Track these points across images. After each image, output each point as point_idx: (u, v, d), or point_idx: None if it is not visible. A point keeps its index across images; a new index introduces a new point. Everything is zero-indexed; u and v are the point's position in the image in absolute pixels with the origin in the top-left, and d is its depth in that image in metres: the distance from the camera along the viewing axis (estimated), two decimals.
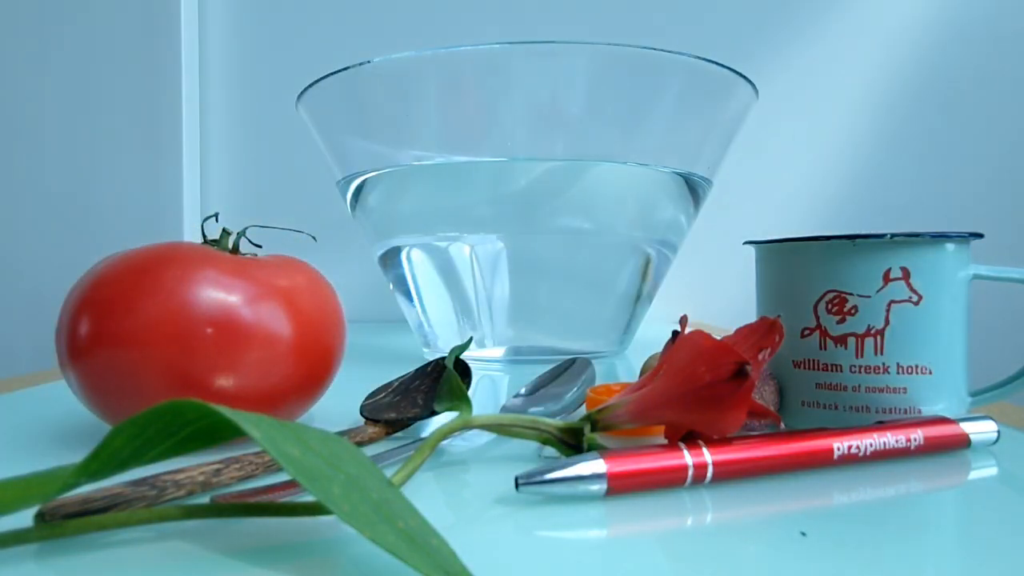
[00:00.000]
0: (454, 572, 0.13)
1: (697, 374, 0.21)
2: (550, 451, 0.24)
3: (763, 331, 0.23)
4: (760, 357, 0.22)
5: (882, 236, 0.26)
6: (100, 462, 0.15)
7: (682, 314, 0.25)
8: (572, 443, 0.23)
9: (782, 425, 0.27)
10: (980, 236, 0.26)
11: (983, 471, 0.23)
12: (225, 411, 0.14)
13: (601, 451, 0.20)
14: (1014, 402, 0.31)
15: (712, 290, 0.86)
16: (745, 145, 0.83)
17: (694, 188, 0.48)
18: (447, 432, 0.22)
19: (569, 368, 0.34)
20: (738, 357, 0.20)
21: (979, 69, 0.86)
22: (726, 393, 0.20)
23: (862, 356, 0.26)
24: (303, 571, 0.15)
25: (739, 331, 0.24)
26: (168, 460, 0.17)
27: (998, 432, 0.25)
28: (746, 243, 0.32)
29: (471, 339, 0.31)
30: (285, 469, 0.14)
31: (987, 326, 0.72)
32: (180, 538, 0.17)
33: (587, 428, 0.23)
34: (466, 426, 0.22)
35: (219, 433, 0.16)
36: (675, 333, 0.24)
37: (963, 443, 0.24)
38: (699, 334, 0.22)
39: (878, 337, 0.26)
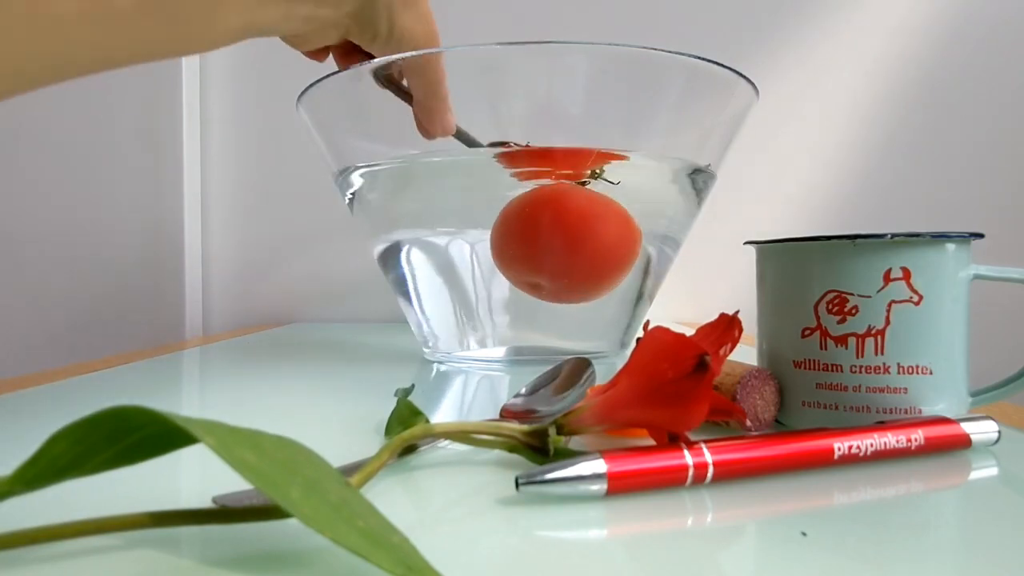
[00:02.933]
0: (416, 567, 0.13)
1: (660, 371, 0.21)
2: None
3: (723, 327, 0.23)
4: (721, 353, 0.23)
5: (882, 236, 0.26)
6: (37, 470, 0.14)
7: (646, 319, 0.26)
8: (538, 447, 0.22)
9: (748, 423, 0.27)
10: (980, 236, 0.26)
11: (983, 471, 0.23)
12: (175, 418, 0.13)
13: (602, 451, 0.20)
14: (1014, 402, 0.31)
15: (712, 290, 0.86)
16: (746, 145, 0.82)
17: (694, 188, 0.48)
18: (407, 439, 0.21)
19: (569, 368, 0.34)
20: (699, 349, 0.20)
21: (980, 69, 0.86)
22: (689, 388, 0.20)
23: (862, 356, 0.26)
24: (303, 572, 0.15)
25: (700, 329, 0.24)
26: (114, 470, 0.15)
27: (998, 432, 0.25)
28: (746, 243, 0.32)
29: (412, 386, 0.28)
30: (241, 475, 0.13)
31: (987, 326, 0.72)
32: (180, 539, 0.17)
33: (552, 431, 0.22)
34: (426, 434, 0.22)
35: (170, 441, 0.15)
36: (638, 340, 0.24)
37: (964, 443, 0.24)
38: (660, 330, 0.22)
39: (878, 337, 0.26)
